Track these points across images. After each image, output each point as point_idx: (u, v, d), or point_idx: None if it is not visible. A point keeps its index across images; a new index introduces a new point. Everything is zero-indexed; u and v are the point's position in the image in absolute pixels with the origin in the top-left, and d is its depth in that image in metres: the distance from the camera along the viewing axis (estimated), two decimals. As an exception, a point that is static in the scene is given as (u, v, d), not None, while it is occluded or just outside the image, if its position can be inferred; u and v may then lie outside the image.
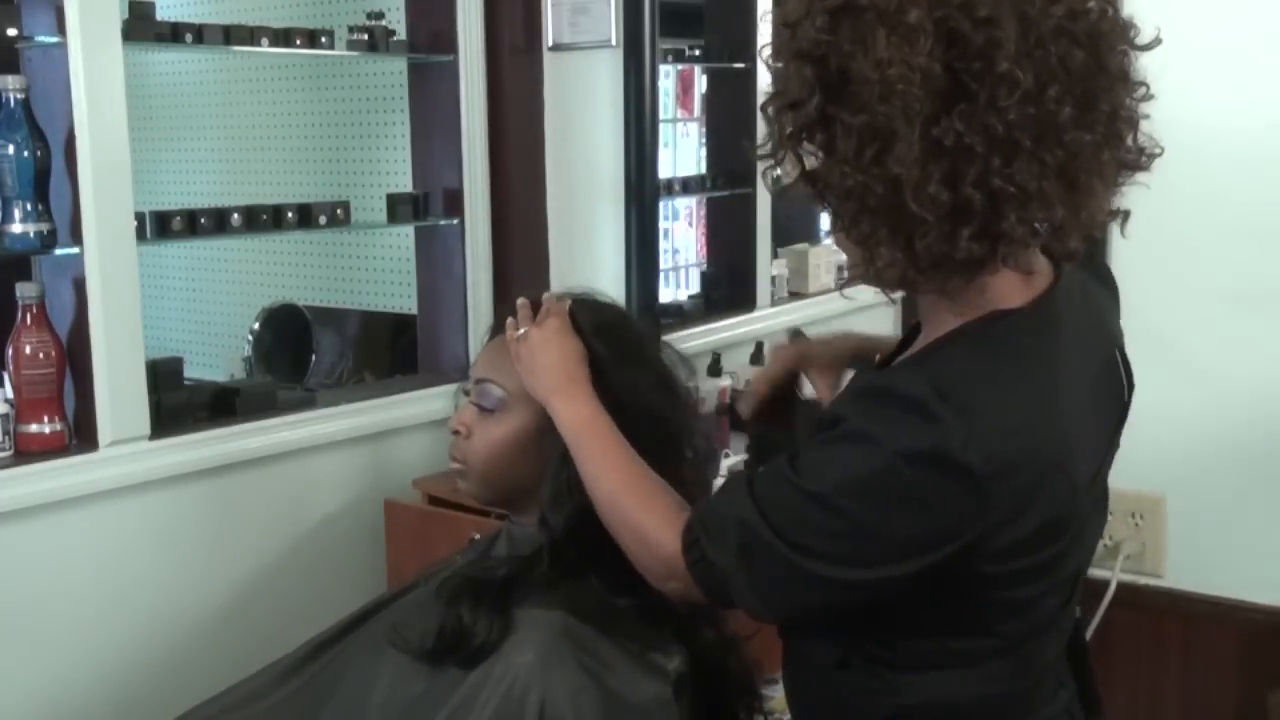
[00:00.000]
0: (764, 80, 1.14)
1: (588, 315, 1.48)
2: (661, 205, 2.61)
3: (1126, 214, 1.14)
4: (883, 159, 1.02)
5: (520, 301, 1.48)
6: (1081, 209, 1.06)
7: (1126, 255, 1.97)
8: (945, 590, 1.13)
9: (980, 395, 1.07)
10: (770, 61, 1.10)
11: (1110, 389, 1.24)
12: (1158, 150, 1.12)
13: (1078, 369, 1.16)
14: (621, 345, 1.48)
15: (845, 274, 1.20)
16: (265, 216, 2.29)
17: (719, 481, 2.07)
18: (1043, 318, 1.13)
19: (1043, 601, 1.18)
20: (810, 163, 1.08)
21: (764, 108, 1.11)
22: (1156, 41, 1.09)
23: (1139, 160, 1.11)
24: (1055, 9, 1.02)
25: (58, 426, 1.96)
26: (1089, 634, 1.98)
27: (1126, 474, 1.98)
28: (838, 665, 1.24)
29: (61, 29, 1.90)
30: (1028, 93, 1.00)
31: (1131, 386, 1.27)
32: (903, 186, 1.01)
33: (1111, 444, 1.25)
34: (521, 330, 1.45)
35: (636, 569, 1.29)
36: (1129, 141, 1.09)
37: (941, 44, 1.00)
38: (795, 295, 3.20)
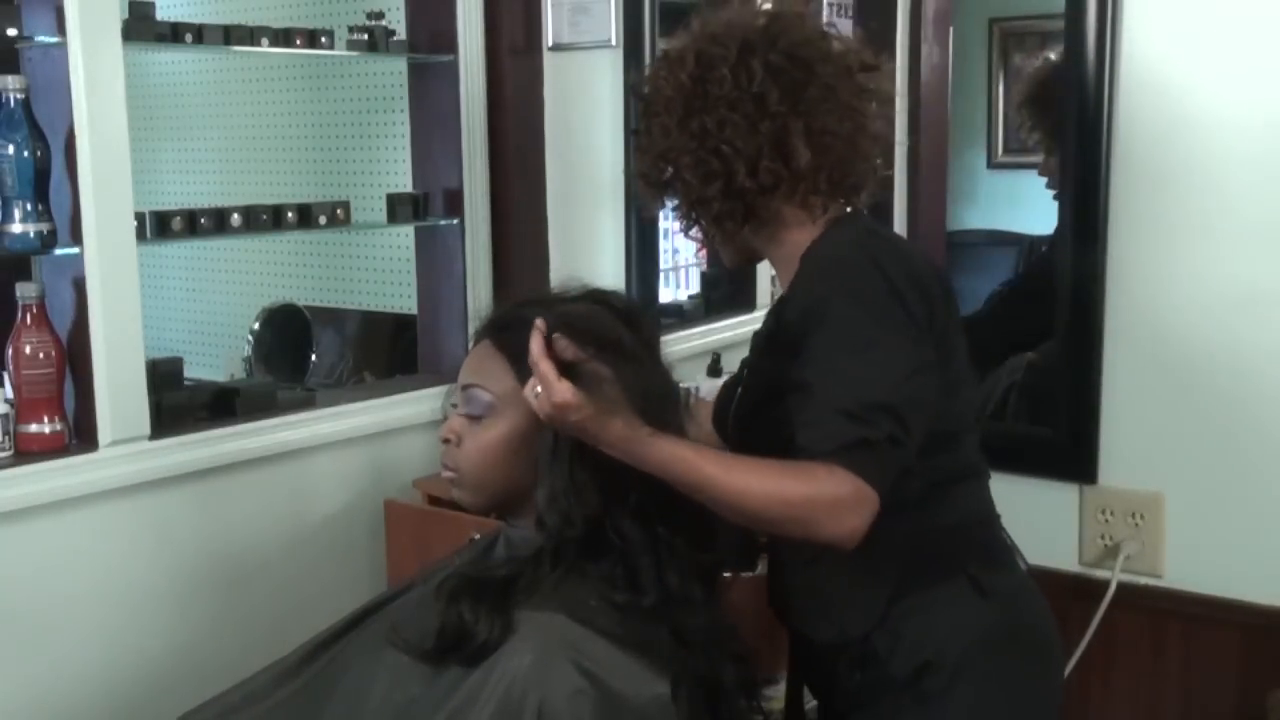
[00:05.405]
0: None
1: (577, 344, 1.38)
2: (661, 205, 2.62)
3: (857, 186, 1.52)
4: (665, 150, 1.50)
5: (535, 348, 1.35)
6: (794, 164, 1.46)
7: (1127, 253, 1.97)
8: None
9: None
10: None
11: None
12: (893, 138, 1.56)
13: None
14: (620, 356, 1.44)
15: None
16: (265, 216, 2.29)
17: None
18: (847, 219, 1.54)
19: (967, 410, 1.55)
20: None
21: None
22: (884, 60, 1.53)
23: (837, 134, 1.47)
24: (781, 41, 1.46)
25: (58, 426, 1.96)
26: (1089, 634, 1.99)
27: (1127, 474, 2.00)
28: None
29: (61, 29, 1.90)
30: (739, 84, 1.45)
31: None
32: (679, 166, 1.48)
33: None
34: (538, 390, 1.34)
35: (824, 544, 1.32)
36: (829, 120, 1.46)
37: (699, 66, 1.48)
38: (795, 295, 3.19)
